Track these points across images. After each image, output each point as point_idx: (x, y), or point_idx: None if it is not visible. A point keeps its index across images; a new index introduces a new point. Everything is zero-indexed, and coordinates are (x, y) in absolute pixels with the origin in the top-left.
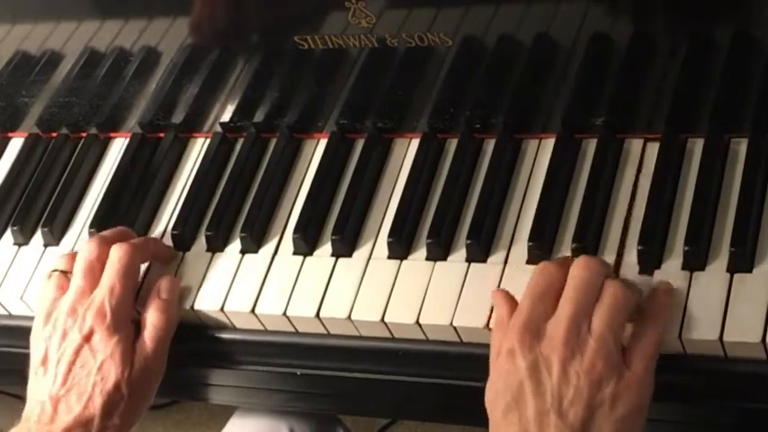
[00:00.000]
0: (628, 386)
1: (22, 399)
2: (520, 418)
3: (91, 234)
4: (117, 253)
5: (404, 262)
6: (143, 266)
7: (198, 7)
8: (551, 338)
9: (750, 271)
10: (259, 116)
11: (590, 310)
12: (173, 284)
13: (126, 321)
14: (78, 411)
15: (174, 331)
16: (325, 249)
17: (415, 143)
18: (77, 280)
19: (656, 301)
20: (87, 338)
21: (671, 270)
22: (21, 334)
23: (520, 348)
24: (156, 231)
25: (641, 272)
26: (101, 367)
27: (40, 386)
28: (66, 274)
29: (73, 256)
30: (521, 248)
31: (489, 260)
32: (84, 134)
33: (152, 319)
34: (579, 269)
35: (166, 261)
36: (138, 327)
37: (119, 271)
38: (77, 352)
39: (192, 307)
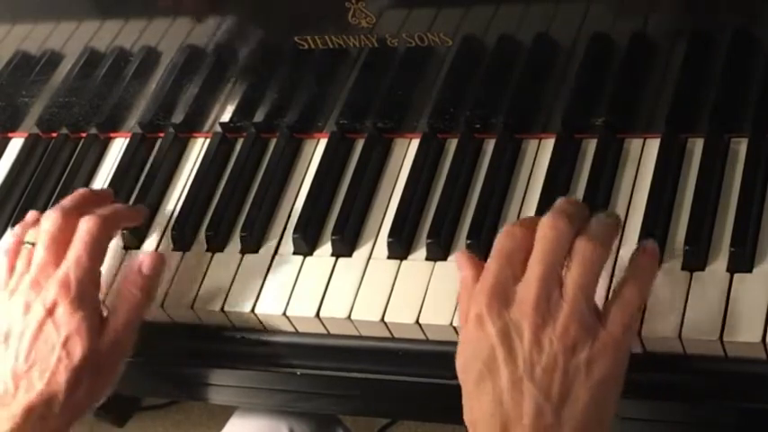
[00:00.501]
0: (604, 349)
1: None
2: (493, 387)
3: None
4: (86, 225)
5: (404, 262)
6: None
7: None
8: (521, 303)
9: (750, 271)
10: (259, 116)
11: (560, 270)
12: (156, 261)
13: (92, 295)
14: (41, 388)
15: (149, 309)
16: (325, 249)
17: (415, 143)
18: (40, 252)
19: (637, 262)
20: (50, 312)
21: (671, 270)
22: None
23: (488, 314)
24: (156, 231)
25: None
26: (65, 342)
27: (1, 363)
28: (34, 246)
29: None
30: None
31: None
32: (84, 134)
33: (128, 294)
34: (546, 228)
35: (139, 223)
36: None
37: (87, 243)
38: (41, 326)
39: (192, 307)
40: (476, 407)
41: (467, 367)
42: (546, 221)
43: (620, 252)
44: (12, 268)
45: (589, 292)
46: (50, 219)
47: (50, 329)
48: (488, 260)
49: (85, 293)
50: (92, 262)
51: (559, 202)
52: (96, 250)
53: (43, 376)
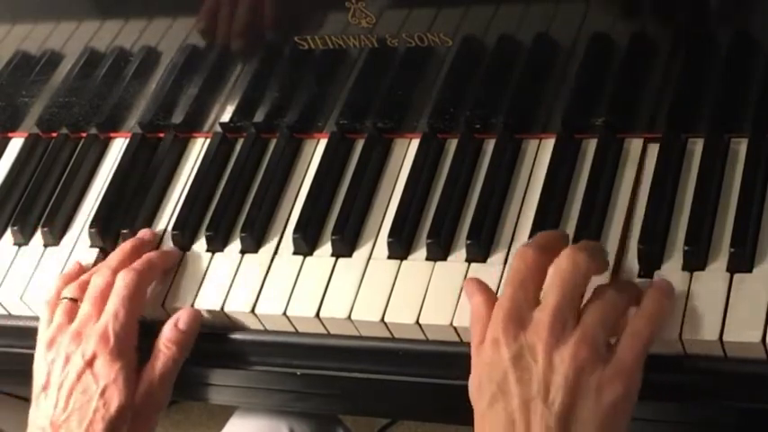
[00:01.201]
0: (615, 375)
1: (23, 399)
2: (505, 407)
3: (91, 234)
4: (122, 280)
5: (404, 262)
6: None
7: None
8: (536, 326)
9: (750, 271)
10: (259, 116)
11: (577, 301)
12: (193, 317)
13: (130, 347)
14: None
15: (180, 361)
16: (325, 249)
17: (415, 143)
18: (86, 306)
19: (652, 297)
20: (90, 363)
21: (671, 270)
22: (21, 334)
23: (504, 337)
24: (156, 231)
25: (641, 271)
26: (103, 393)
27: (41, 412)
28: (75, 301)
29: (82, 284)
30: None
31: (489, 260)
32: (84, 134)
33: (165, 348)
34: (566, 263)
35: (171, 265)
36: (145, 353)
37: (124, 297)
38: (79, 376)
39: (192, 307)
40: (487, 428)
41: (481, 390)
42: (566, 254)
43: (624, 256)
44: (51, 320)
45: (606, 326)
46: (99, 275)
47: (89, 380)
48: (504, 285)
49: (123, 346)
50: (129, 315)
51: (583, 242)
52: (133, 303)
53: (81, 425)
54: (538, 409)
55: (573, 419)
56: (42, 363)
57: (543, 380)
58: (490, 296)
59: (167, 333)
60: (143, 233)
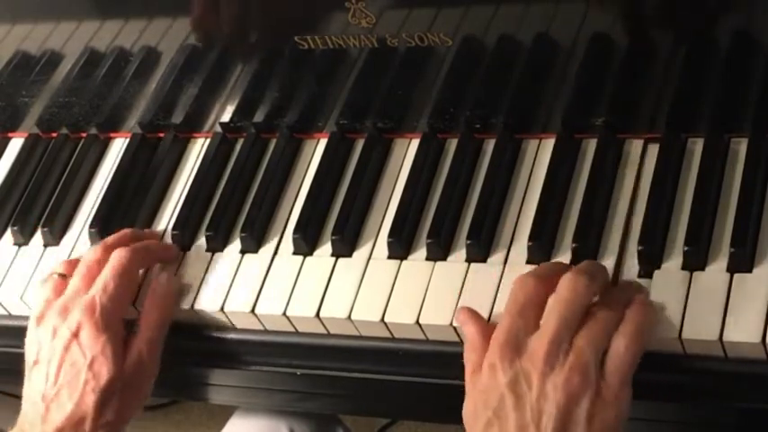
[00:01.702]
0: (604, 402)
1: (22, 399)
2: None
3: (91, 234)
4: (116, 255)
5: (404, 262)
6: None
7: (200, 5)
8: (532, 354)
9: (750, 271)
10: (259, 116)
11: (574, 328)
12: (170, 281)
13: (117, 320)
14: (71, 410)
15: (168, 328)
16: (325, 249)
17: (415, 143)
18: (75, 280)
19: (630, 316)
20: (76, 334)
21: (671, 270)
22: (21, 334)
23: (500, 363)
24: (156, 231)
25: (641, 271)
26: (92, 364)
27: (32, 387)
28: (64, 277)
29: (73, 261)
30: (521, 248)
31: (489, 260)
32: (84, 134)
33: (146, 315)
34: (565, 291)
35: (170, 261)
36: (130, 325)
37: (115, 271)
38: (67, 348)
39: (192, 307)
40: None
41: (476, 415)
42: (565, 282)
43: (621, 253)
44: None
45: (598, 348)
46: (90, 251)
47: (76, 352)
48: (504, 312)
49: (110, 318)
50: (118, 289)
51: (584, 263)
52: (123, 279)
53: (72, 398)
54: None
55: None
56: (32, 338)
57: (537, 407)
58: (483, 325)
59: (148, 299)
60: (148, 231)
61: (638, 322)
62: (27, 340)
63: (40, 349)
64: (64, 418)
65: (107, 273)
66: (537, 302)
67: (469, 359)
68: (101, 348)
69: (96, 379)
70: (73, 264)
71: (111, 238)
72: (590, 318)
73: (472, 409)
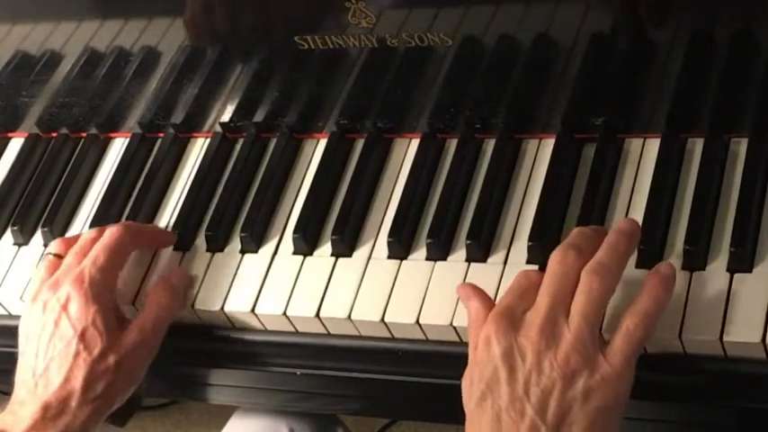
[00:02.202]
0: (604, 380)
1: None
2: (492, 405)
3: None
4: (108, 231)
5: (404, 262)
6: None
7: (195, 5)
8: (527, 328)
9: (750, 271)
10: (259, 116)
11: (567, 300)
12: (184, 274)
13: (107, 292)
14: (59, 383)
15: (173, 319)
16: (325, 249)
17: (415, 143)
18: (69, 258)
19: (648, 290)
20: (65, 306)
21: None
22: None
23: (495, 335)
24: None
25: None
26: (83, 335)
27: (23, 365)
28: (59, 257)
29: (67, 240)
30: (521, 248)
31: (489, 260)
32: (84, 134)
33: (157, 297)
34: (554, 263)
35: (165, 246)
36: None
37: (106, 245)
38: (56, 322)
39: (192, 307)
40: (476, 426)
41: (471, 388)
42: (556, 254)
43: None
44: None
45: (593, 323)
46: (88, 233)
47: (65, 324)
48: (504, 293)
49: (99, 289)
50: (108, 262)
51: (573, 232)
52: (115, 253)
53: (61, 371)
54: (525, 409)
55: (559, 421)
56: (25, 317)
57: (531, 380)
58: (486, 299)
59: (161, 284)
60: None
61: (657, 297)
62: (21, 321)
63: (31, 326)
64: (51, 392)
65: (98, 246)
66: (536, 288)
67: (473, 334)
68: (91, 319)
69: (88, 350)
70: (67, 243)
71: (109, 224)
72: (582, 288)
73: (468, 383)
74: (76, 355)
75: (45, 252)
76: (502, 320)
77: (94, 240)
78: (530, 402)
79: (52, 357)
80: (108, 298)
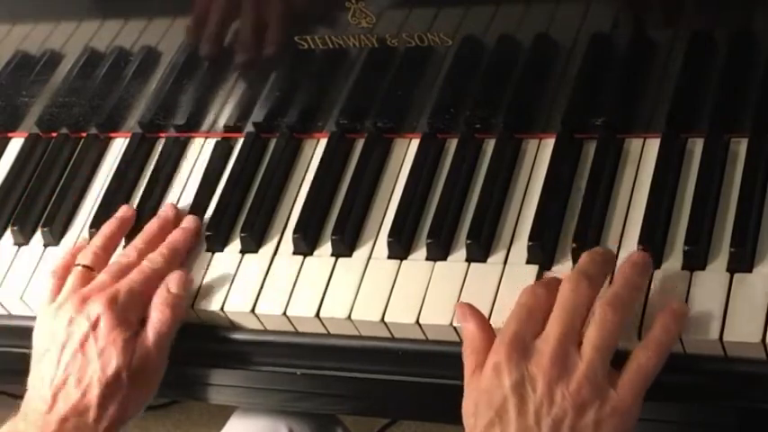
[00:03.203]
0: (613, 412)
1: (22, 399)
2: None
3: (91, 234)
4: (149, 260)
5: (404, 262)
6: None
7: (197, 7)
8: (539, 357)
9: (750, 271)
10: (259, 116)
11: (578, 330)
12: (183, 279)
13: (134, 317)
14: (76, 399)
15: (179, 327)
16: (325, 249)
17: (415, 143)
18: (104, 276)
19: (662, 325)
20: (94, 326)
21: (671, 270)
22: (21, 334)
23: (506, 364)
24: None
25: None
26: (102, 353)
27: (41, 373)
28: (90, 269)
29: (98, 254)
30: (521, 248)
31: (489, 260)
32: (84, 134)
33: (157, 312)
34: (567, 291)
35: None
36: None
37: (143, 274)
38: (82, 338)
39: (193, 307)
40: None
41: (477, 414)
42: (568, 283)
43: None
44: (58, 288)
45: (605, 355)
46: (125, 256)
47: (91, 344)
48: (509, 315)
49: (129, 313)
50: (142, 289)
51: (583, 258)
52: (151, 283)
53: (79, 387)
54: None
55: None
56: (46, 327)
57: (541, 410)
58: (484, 322)
59: (160, 297)
60: (166, 211)
61: (670, 332)
62: (40, 328)
63: (54, 337)
64: (70, 406)
65: (135, 275)
66: (544, 309)
67: (470, 357)
68: (113, 339)
69: (103, 369)
70: (98, 257)
71: (141, 240)
72: (596, 320)
73: (473, 409)
74: (94, 372)
75: (64, 261)
76: (513, 349)
77: (131, 266)
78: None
79: (71, 372)
80: (134, 321)
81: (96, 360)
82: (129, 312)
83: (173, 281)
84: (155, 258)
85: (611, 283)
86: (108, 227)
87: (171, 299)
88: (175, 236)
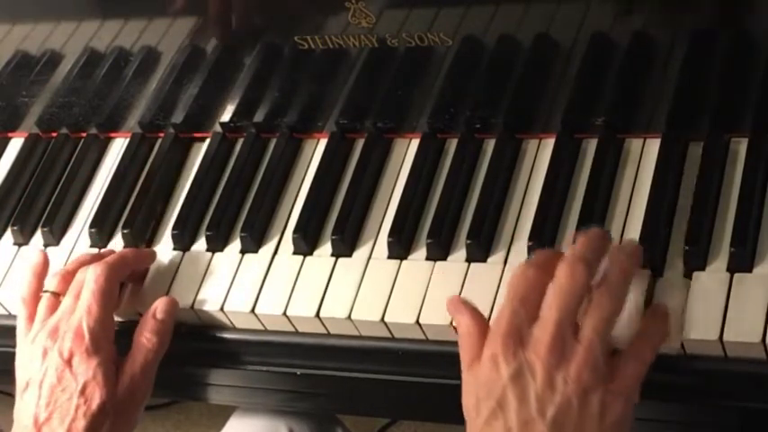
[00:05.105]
0: (615, 396)
1: None
2: (504, 425)
3: (91, 234)
4: (92, 274)
5: (404, 262)
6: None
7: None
8: (536, 344)
9: (750, 271)
10: (259, 116)
11: (575, 314)
12: (169, 306)
13: (106, 341)
14: None
15: (165, 353)
16: (325, 249)
17: (415, 143)
18: (68, 300)
19: (654, 320)
20: (68, 362)
21: (671, 270)
22: None
23: (503, 354)
24: (157, 231)
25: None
26: (83, 390)
27: (24, 408)
28: (57, 296)
29: (63, 276)
30: (521, 248)
31: (489, 260)
32: (84, 134)
33: (144, 339)
34: (563, 278)
35: (149, 263)
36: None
37: (94, 292)
38: (58, 374)
39: (192, 307)
40: None
41: (478, 406)
42: (563, 270)
43: None
44: (31, 316)
45: (604, 338)
46: (81, 271)
47: (69, 378)
48: (503, 301)
49: (99, 342)
50: (101, 310)
51: (580, 241)
52: (104, 297)
53: (63, 423)
54: (537, 427)
55: None
56: (23, 359)
57: (542, 398)
58: (477, 314)
59: (146, 324)
60: (146, 252)
61: (662, 325)
62: (18, 361)
63: (31, 371)
64: None
65: (87, 294)
66: (537, 290)
67: (466, 350)
68: (92, 374)
69: (88, 404)
70: (65, 279)
71: (110, 259)
72: (593, 306)
73: (474, 402)
74: (77, 408)
75: (31, 287)
76: (509, 338)
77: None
78: (544, 421)
79: (54, 409)
80: (108, 348)
81: (78, 396)
82: (99, 340)
83: (159, 307)
84: (99, 270)
85: None
86: (86, 255)
87: (157, 326)
88: (126, 250)
